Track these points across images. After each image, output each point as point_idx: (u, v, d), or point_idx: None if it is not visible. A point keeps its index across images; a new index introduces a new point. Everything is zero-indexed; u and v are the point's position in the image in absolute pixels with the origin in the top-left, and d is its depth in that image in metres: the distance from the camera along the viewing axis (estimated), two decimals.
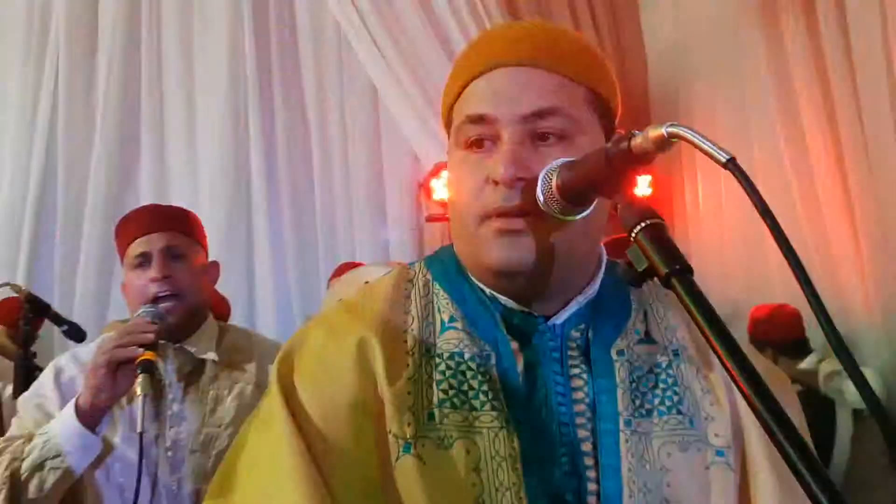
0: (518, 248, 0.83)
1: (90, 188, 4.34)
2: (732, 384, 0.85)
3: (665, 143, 0.69)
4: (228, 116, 4.53)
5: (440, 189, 4.44)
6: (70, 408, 1.52)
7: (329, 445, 0.82)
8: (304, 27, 4.75)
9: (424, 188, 4.56)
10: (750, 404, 0.59)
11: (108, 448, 1.56)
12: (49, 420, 1.56)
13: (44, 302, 2.02)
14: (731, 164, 0.64)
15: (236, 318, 3.63)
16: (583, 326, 0.89)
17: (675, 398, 0.87)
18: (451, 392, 0.84)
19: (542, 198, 0.80)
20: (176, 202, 4.25)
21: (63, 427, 1.51)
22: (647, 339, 0.91)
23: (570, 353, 0.88)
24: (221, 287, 3.36)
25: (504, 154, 0.83)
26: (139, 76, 4.54)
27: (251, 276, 4.34)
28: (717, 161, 0.65)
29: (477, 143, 0.87)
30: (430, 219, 4.63)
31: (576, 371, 0.87)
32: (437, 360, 0.87)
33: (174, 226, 1.77)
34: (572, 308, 0.89)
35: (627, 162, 0.72)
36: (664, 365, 0.89)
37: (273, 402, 0.86)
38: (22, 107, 4.41)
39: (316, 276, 4.30)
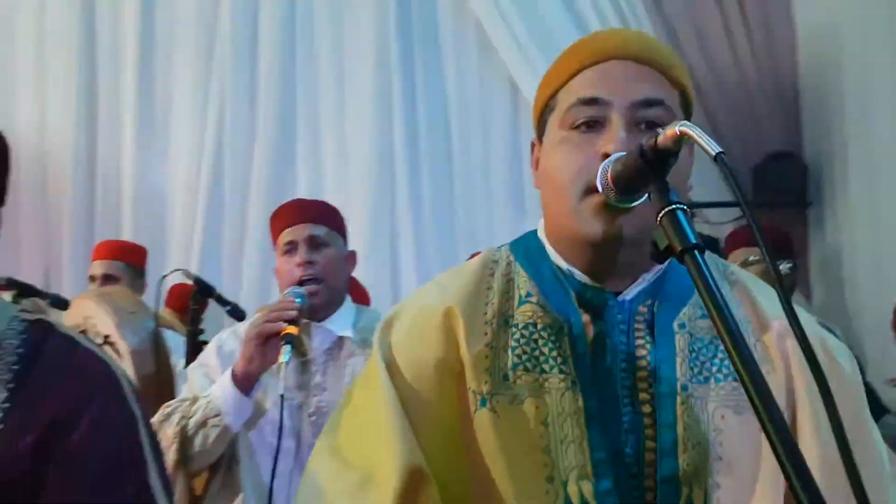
0: (616, 224, 0.92)
1: (253, 184, 4.71)
2: (791, 353, 0.93)
3: (679, 138, 0.78)
4: (375, 113, 4.79)
5: None
6: (228, 374, 1.76)
7: (417, 398, 0.97)
8: (446, 25, 4.94)
9: None
10: (737, 371, 0.67)
11: (260, 411, 1.79)
12: (212, 385, 1.81)
13: (210, 286, 2.31)
14: (719, 158, 0.73)
15: (382, 306, 3.89)
16: (650, 302, 0.98)
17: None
18: (523, 357, 0.96)
19: (600, 188, 0.90)
20: (328, 195, 4.59)
21: (222, 391, 1.76)
22: None
23: (636, 325, 0.97)
24: (366, 276, 3.61)
25: (617, 132, 0.93)
26: (295, 78, 4.87)
27: (395, 266, 4.59)
28: (708, 154, 0.74)
29: (585, 125, 0.97)
30: None
31: (640, 342, 0.96)
32: (514, 329, 0.99)
33: (318, 218, 2.00)
34: (640, 285, 0.99)
35: (656, 155, 0.82)
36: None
37: (374, 361, 1.01)
38: (193, 110, 4.83)
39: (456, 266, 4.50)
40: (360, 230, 4.59)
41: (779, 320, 0.98)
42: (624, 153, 0.88)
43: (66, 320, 2.42)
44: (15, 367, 0.96)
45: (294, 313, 1.74)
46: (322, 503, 0.96)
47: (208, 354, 1.94)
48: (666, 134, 0.79)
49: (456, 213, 4.75)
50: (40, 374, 0.98)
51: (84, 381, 1.00)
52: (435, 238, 4.63)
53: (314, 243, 1.94)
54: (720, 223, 4.40)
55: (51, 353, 1.01)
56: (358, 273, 3.53)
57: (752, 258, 2.35)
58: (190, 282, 2.28)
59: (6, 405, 0.94)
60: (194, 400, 1.79)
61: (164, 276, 2.21)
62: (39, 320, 1.03)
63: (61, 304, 2.40)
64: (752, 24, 4.52)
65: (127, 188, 4.69)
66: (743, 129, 4.43)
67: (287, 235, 1.95)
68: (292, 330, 1.71)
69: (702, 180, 4.33)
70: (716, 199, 4.00)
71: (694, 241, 0.75)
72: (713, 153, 0.73)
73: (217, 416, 1.75)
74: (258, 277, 4.44)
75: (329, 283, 1.92)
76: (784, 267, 2.33)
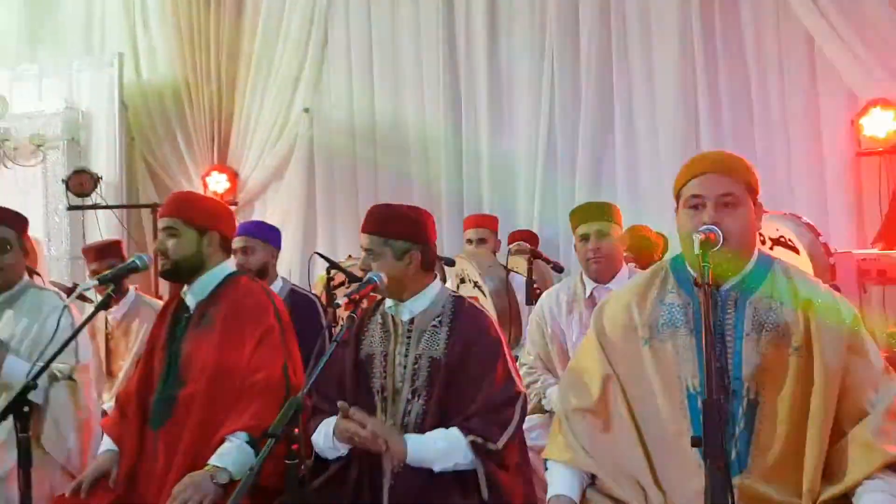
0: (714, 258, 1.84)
1: (579, 148, 5.75)
2: (811, 319, 1.83)
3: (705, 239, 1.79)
4: (678, 70, 5.54)
5: (871, 126, 4.96)
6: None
7: (612, 343, 2.02)
8: None
9: (855, 125, 5.06)
10: (705, 349, 1.63)
11: None
12: (541, 334, 3.04)
13: (537, 252, 3.53)
14: (704, 286, 1.71)
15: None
16: (735, 291, 1.91)
17: (776, 323, 1.86)
18: (667, 319, 1.96)
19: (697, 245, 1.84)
20: (641, 157, 5.47)
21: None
22: (770, 295, 1.90)
23: (729, 301, 1.90)
24: (672, 230, 4.44)
25: (709, 212, 1.88)
26: (610, 51, 5.77)
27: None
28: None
29: (694, 207, 1.92)
30: (862, 153, 5.11)
31: (729, 311, 1.90)
32: (664, 305, 1.98)
33: (606, 213, 3.06)
34: (731, 282, 1.92)
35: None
36: (774, 308, 1.88)
37: (591, 325, 2.09)
38: (529, 93, 5.97)
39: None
40: (668, 193, 5.34)
41: (808, 298, 1.87)
42: (709, 226, 1.82)
43: (453, 272, 3.81)
44: (449, 320, 2.29)
45: None
46: (567, 386, 2.10)
47: (538, 313, 3.16)
48: (699, 238, 1.78)
49: (755, 157, 5.25)
50: (461, 321, 2.30)
51: (479, 322, 2.31)
52: None
53: (601, 234, 3.01)
54: None
55: (463, 310, 2.34)
56: (664, 227, 4.44)
57: None
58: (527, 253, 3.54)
59: (448, 335, 2.27)
60: (538, 382, 3.04)
61: (509, 251, 3.49)
62: (458, 297, 2.36)
63: (450, 262, 3.77)
64: None
65: (484, 161, 6.02)
66: None
67: (583, 227, 3.06)
68: None
69: None
70: None
71: (704, 282, 1.69)
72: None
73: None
74: None
75: (609, 263, 3.01)
76: None
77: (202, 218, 2.56)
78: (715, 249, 1.83)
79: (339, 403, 2.18)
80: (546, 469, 2.07)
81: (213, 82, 6.77)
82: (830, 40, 5.11)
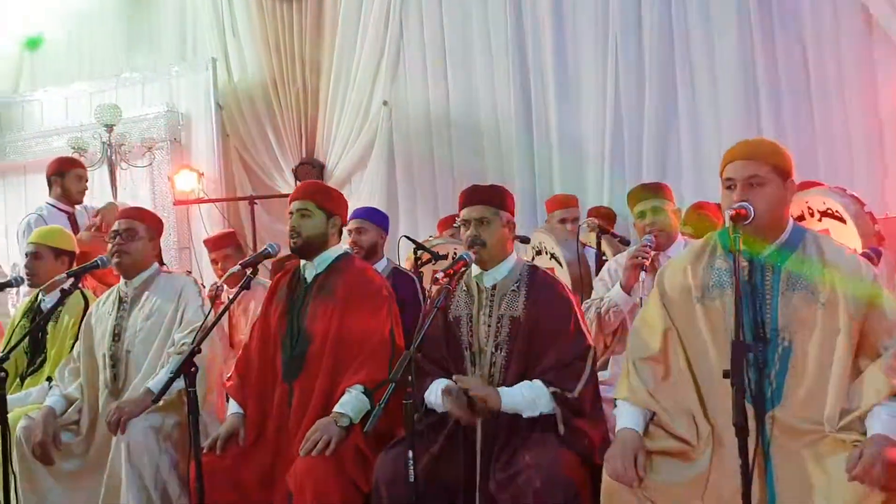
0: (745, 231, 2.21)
1: (645, 125, 6.05)
2: (836, 281, 2.21)
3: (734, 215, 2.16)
4: (737, 50, 5.75)
5: None
6: (618, 285, 3.30)
7: (671, 300, 2.40)
8: None
9: None
10: (735, 306, 2.02)
11: (636, 307, 3.31)
12: (606, 289, 3.39)
13: (605, 227, 3.92)
14: (735, 255, 2.09)
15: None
16: (773, 257, 2.27)
17: (807, 284, 2.22)
18: (716, 281, 2.33)
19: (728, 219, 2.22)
20: (704, 127, 5.72)
21: (616, 293, 3.29)
22: (801, 260, 2.25)
23: (767, 266, 2.27)
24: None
25: (739, 192, 2.25)
26: (672, 34, 6.02)
27: None
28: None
29: (728, 188, 2.29)
30: None
31: (768, 274, 2.27)
32: (714, 269, 2.35)
33: (659, 192, 3.41)
34: (770, 249, 2.28)
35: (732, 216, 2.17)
36: (805, 272, 2.24)
37: (654, 285, 2.47)
38: (595, 73, 6.26)
39: None
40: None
41: (833, 262, 2.22)
42: (741, 203, 2.19)
43: (529, 246, 4.24)
44: (525, 285, 2.70)
45: (649, 258, 3.18)
46: (635, 337, 2.47)
47: (604, 272, 3.54)
48: (730, 213, 2.16)
49: (814, 136, 5.58)
50: (536, 285, 2.71)
51: (552, 285, 2.73)
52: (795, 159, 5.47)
53: (655, 211, 3.36)
54: None
55: (537, 276, 2.74)
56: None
57: None
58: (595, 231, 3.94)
59: (525, 297, 2.68)
60: (601, 299, 3.37)
61: (579, 225, 3.89)
62: (532, 265, 2.77)
63: (525, 240, 4.21)
64: None
65: (554, 145, 6.37)
66: None
67: (639, 206, 3.42)
68: (646, 263, 3.17)
69: None
70: None
71: (738, 250, 2.08)
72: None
73: (616, 306, 3.31)
74: None
75: (666, 234, 3.32)
76: None
77: (331, 204, 3.04)
78: (747, 223, 2.20)
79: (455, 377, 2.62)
80: (615, 408, 2.46)
81: (299, 82, 7.32)
82: (886, 11, 5.27)
